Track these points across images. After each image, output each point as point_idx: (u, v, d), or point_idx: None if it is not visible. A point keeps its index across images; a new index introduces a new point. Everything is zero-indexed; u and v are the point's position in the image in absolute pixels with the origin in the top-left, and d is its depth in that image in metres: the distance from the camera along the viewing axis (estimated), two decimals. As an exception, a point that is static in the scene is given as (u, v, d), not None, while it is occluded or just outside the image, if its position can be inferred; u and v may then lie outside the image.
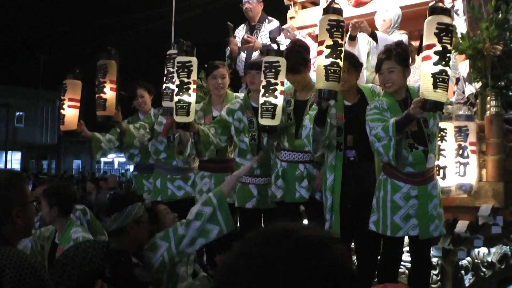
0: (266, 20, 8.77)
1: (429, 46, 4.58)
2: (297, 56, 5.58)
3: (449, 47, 4.54)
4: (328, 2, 5.17)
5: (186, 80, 5.66)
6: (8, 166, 44.15)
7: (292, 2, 9.56)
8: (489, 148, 6.04)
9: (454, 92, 7.41)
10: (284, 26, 8.80)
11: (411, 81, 7.02)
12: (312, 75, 6.75)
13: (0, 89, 46.79)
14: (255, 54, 8.42)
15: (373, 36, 7.21)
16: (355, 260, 5.91)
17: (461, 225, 5.85)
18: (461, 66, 7.54)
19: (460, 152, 5.89)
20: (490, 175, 6.01)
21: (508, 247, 6.82)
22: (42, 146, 50.82)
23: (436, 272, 6.04)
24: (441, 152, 5.80)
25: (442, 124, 5.65)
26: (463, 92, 7.39)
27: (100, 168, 54.02)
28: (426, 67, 4.60)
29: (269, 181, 6.06)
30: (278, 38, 8.57)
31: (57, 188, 5.68)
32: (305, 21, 9.35)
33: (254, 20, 8.75)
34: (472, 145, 5.90)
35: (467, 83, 7.27)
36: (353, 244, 5.79)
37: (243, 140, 6.16)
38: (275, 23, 8.77)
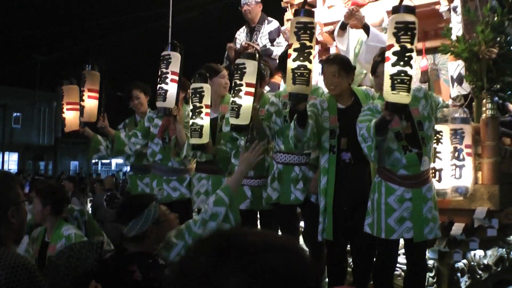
0: (266, 21, 8.78)
1: (389, 47, 4.50)
2: None
3: (408, 46, 4.38)
4: (301, 4, 5.13)
5: (198, 104, 6.01)
6: (5, 167, 44.11)
7: (289, 4, 9.57)
8: (485, 150, 6.05)
9: (450, 95, 7.42)
10: (281, 28, 8.82)
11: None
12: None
13: (-3, 90, 46.82)
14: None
15: (366, 29, 7.21)
16: (351, 263, 5.92)
17: (457, 228, 5.86)
18: (451, 66, 7.55)
19: (456, 154, 5.89)
20: (485, 177, 6.02)
21: (504, 249, 6.82)
22: (39, 147, 50.74)
23: (432, 274, 6.05)
24: (437, 154, 5.80)
25: (437, 127, 5.65)
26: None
27: (97, 169, 53.99)
28: (386, 68, 4.51)
29: (263, 182, 6.09)
30: (277, 40, 8.61)
31: (51, 187, 5.70)
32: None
33: (253, 22, 8.76)
34: (467, 148, 5.91)
35: (455, 84, 7.27)
36: (348, 246, 5.81)
37: (239, 142, 6.20)
38: (274, 24, 8.79)
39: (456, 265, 6.21)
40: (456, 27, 6.83)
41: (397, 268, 5.84)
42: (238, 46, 8.82)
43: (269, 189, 5.95)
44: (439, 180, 5.80)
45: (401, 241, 5.48)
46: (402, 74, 4.39)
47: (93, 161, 55.25)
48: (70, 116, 7.30)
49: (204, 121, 5.98)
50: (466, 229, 5.89)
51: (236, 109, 5.55)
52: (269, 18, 8.84)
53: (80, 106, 7.07)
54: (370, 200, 5.28)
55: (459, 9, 7.22)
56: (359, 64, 7.52)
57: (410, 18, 4.40)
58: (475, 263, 6.48)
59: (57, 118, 50.69)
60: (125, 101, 7.58)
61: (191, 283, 1.25)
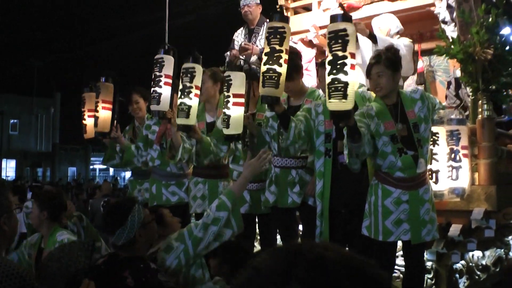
0: (265, 23, 8.75)
1: (326, 57, 4.54)
2: (290, 64, 5.59)
3: (340, 53, 4.36)
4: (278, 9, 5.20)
5: (188, 84, 5.92)
6: (3, 174, 44.09)
7: (284, 8, 9.58)
8: (481, 151, 6.06)
9: (446, 97, 7.45)
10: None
11: (404, 85, 7.06)
12: (305, 79, 6.79)
13: (-6, 97, 46.84)
14: (253, 58, 8.44)
15: (372, 38, 7.23)
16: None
17: (454, 229, 5.87)
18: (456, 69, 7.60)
19: (452, 156, 5.90)
20: (482, 178, 6.03)
21: (502, 250, 6.83)
22: (36, 154, 50.72)
23: (430, 276, 6.05)
24: (434, 156, 5.81)
25: (434, 128, 5.65)
26: (455, 96, 7.42)
27: (95, 175, 53.99)
28: (326, 78, 4.52)
29: (262, 186, 6.10)
30: None
31: (49, 193, 5.71)
32: (297, 26, 9.38)
33: (253, 24, 8.74)
34: (464, 149, 5.92)
35: (462, 86, 7.29)
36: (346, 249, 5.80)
37: (237, 147, 6.21)
38: None
39: (454, 266, 6.22)
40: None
41: (395, 270, 5.85)
42: (236, 47, 8.82)
43: (267, 192, 5.97)
44: (436, 182, 5.81)
45: (399, 243, 5.48)
46: (336, 82, 4.36)
47: (91, 166, 55.33)
48: (91, 123, 7.40)
49: (192, 101, 5.91)
50: (463, 230, 5.90)
51: (226, 120, 5.64)
52: (268, 20, 8.83)
53: (95, 117, 7.15)
54: (367, 203, 5.28)
55: (448, 19, 7.28)
56: None
57: (342, 26, 4.39)
58: (473, 264, 6.49)
59: (55, 125, 50.81)
60: (125, 105, 7.59)
61: None
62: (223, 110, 5.70)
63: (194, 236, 4.15)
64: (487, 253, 6.68)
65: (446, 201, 5.94)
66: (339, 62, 4.36)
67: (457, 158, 5.88)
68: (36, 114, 51.08)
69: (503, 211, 5.98)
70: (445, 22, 7.40)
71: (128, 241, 3.80)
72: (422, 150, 5.14)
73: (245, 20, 8.80)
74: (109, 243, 4.68)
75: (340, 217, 5.47)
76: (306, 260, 1.25)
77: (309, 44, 9.33)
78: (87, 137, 7.57)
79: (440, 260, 6.08)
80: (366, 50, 7.58)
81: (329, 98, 4.42)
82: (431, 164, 5.70)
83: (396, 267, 5.78)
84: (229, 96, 5.63)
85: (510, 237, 6.94)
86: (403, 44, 7.24)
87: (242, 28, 8.95)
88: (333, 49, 4.39)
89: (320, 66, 5.68)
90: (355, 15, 8.27)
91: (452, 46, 6.34)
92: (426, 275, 5.77)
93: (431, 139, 5.64)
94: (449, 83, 7.69)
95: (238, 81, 5.65)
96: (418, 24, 8.59)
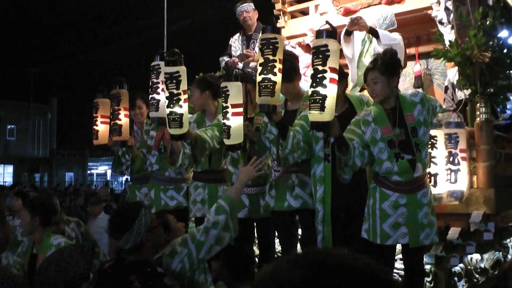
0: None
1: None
2: (289, 64, 5.60)
3: (320, 67, 4.61)
4: (273, 22, 5.29)
5: (175, 91, 5.60)
6: (1, 180, 44.04)
7: (281, 12, 9.60)
8: (480, 154, 6.06)
9: (444, 100, 7.45)
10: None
11: (401, 88, 7.06)
12: (303, 84, 6.79)
13: (-9, 103, 46.83)
14: (252, 64, 8.44)
15: (373, 33, 7.23)
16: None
17: (453, 232, 5.86)
18: (450, 72, 7.60)
19: (451, 159, 5.90)
20: (481, 181, 6.03)
21: (500, 253, 6.83)
22: (34, 159, 50.68)
23: (429, 279, 6.05)
24: (432, 159, 5.82)
25: (432, 132, 5.65)
26: (453, 99, 7.43)
27: (92, 180, 53.95)
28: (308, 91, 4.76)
29: (261, 190, 6.10)
30: None
31: (39, 199, 5.71)
32: (295, 30, 9.41)
33: (250, 29, 8.73)
34: (462, 152, 5.92)
35: (457, 90, 7.31)
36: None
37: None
38: None
39: (453, 269, 6.22)
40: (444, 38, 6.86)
41: (394, 274, 5.84)
42: (233, 53, 8.82)
43: (267, 196, 5.98)
44: (435, 185, 5.81)
45: (398, 247, 5.48)
46: (315, 95, 4.63)
47: (88, 171, 55.26)
48: (103, 129, 7.23)
49: (183, 109, 5.64)
50: (462, 233, 5.89)
51: (227, 131, 5.65)
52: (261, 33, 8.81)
53: (117, 125, 6.93)
54: (366, 206, 5.29)
55: (445, 21, 7.31)
56: (364, 65, 7.62)
57: (323, 42, 4.65)
58: (472, 267, 6.49)
59: (52, 130, 50.76)
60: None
61: None
62: (223, 121, 5.69)
63: (197, 240, 4.17)
64: (486, 256, 6.69)
65: (444, 204, 5.94)
66: (319, 75, 4.63)
67: (456, 161, 5.88)
68: (33, 120, 51.04)
69: (501, 214, 5.98)
70: (442, 23, 7.41)
71: (135, 245, 3.81)
72: (420, 154, 5.13)
73: (243, 26, 8.80)
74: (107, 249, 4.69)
75: (339, 221, 5.47)
76: (330, 268, 1.24)
77: (307, 49, 9.34)
78: (98, 143, 7.29)
79: (439, 263, 6.07)
80: (356, 42, 7.61)
81: (310, 110, 4.67)
82: (429, 167, 5.70)
83: (395, 270, 5.77)
84: (227, 107, 5.63)
85: (508, 240, 6.95)
86: (398, 38, 7.31)
87: (238, 34, 8.95)
88: (315, 63, 4.66)
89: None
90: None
91: (450, 49, 6.34)
92: (425, 278, 5.77)
93: (429, 142, 5.64)
94: (446, 88, 7.70)
95: (235, 91, 5.65)
96: (415, 27, 8.60)
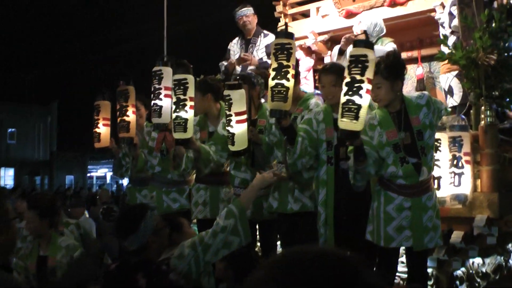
0: (262, 34, 8.75)
1: (344, 78, 4.72)
2: None
3: (358, 77, 4.59)
4: (281, 27, 5.27)
5: (182, 97, 5.83)
6: (2, 183, 44.08)
7: (282, 15, 9.58)
8: (484, 158, 6.04)
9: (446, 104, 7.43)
10: (275, 39, 8.81)
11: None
12: (304, 87, 6.77)
13: (-8, 106, 46.84)
14: (250, 68, 8.43)
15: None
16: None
17: (456, 236, 5.84)
18: (442, 78, 7.61)
19: (455, 162, 5.88)
20: (485, 185, 6.00)
21: (502, 257, 6.79)
22: (34, 162, 50.69)
23: (431, 282, 6.01)
24: (436, 162, 5.78)
25: (436, 135, 5.61)
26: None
27: (92, 183, 53.98)
28: (341, 97, 4.72)
29: (264, 192, 6.06)
30: None
31: (48, 200, 5.69)
32: (296, 33, 9.30)
33: (250, 34, 8.74)
34: (466, 156, 5.90)
35: (448, 96, 7.33)
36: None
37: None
38: (271, 37, 8.74)
39: (454, 273, 6.17)
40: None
41: (395, 277, 5.80)
42: (231, 57, 8.81)
43: (271, 198, 5.96)
44: (438, 188, 5.79)
45: (401, 250, 5.44)
46: (350, 103, 4.60)
47: (88, 174, 55.35)
48: (105, 132, 7.21)
49: (188, 114, 5.85)
50: (465, 237, 5.87)
51: (231, 138, 5.69)
52: (265, 32, 8.81)
53: (125, 122, 6.87)
54: (370, 209, 5.26)
55: (446, 24, 7.31)
56: None
57: (363, 52, 4.64)
58: (474, 271, 6.44)
59: (52, 133, 50.80)
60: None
61: None
62: (227, 128, 5.73)
63: (205, 243, 4.16)
64: (487, 260, 6.64)
65: (448, 207, 5.92)
66: (356, 85, 4.60)
67: (460, 164, 5.86)
68: (33, 123, 51.05)
69: (505, 218, 5.97)
70: (443, 26, 7.39)
71: (140, 247, 3.83)
72: (426, 158, 5.09)
73: (243, 30, 8.81)
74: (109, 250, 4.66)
75: (342, 224, 5.43)
76: (285, 263, 1.30)
77: (308, 52, 9.32)
78: (99, 146, 7.28)
79: (441, 266, 6.04)
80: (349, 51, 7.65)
81: (342, 117, 4.63)
82: (433, 170, 5.67)
83: (397, 274, 5.73)
84: (231, 115, 5.66)
85: (510, 245, 6.91)
86: (392, 47, 7.33)
87: (237, 38, 8.96)
88: (352, 72, 4.63)
89: (321, 73, 5.65)
90: (353, 21, 8.28)
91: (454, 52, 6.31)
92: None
93: (433, 145, 5.61)
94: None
95: (238, 99, 5.66)
96: (418, 30, 8.59)
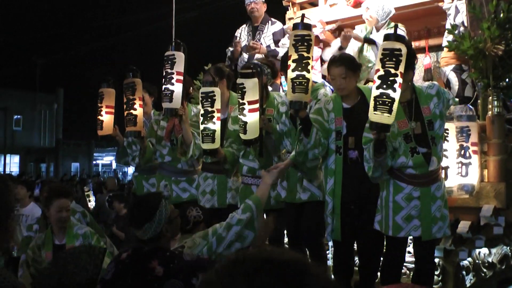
0: (269, 22, 8.77)
1: (376, 71, 4.70)
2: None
3: (392, 71, 4.58)
4: (299, 18, 5.24)
5: (210, 109, 5.99)
6: (7, 170, 44.12)
7: (290, 3, 9.56)
8: (491, 148, 6.05)
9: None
10: (284, 27, 8.82)
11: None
12: (312, 77, 6.79)
13: (-2, 93, 46.84)
14: (257, 56, 8.43)
15: (370, 42, 7.29)
16: (357, 261, 5.90)
17: (463, 226, 5.85)
18: (441, 71, 7.64)
19: (462, 152, 5.89)
20: (492, 175, 6.02)
21: (508, 247, 6.81)
22: (40, 149, 50.70)
23: (437, 272, 6.02)
24: (443, 152, 5.79)
25: (444, 125, 5.64)
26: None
27: (98, 170, 53.98)
28: (372, 90, 4.72)
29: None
30: (282, 41, 8.61)
31: (66, 187, 5.76)
32: (304, 22, 9.35)
33: (257, 21, 8.76)
34: (474, 146, 5.91)
35: (446, 89, 7.35)
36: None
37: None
38: (278, 25, 8.79)
39: (461, 263, 6.19)
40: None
41: (402, 267, 5.82)
42: (238, 44, 8.82)
43: (279, 187, 6.00)
44: (446, 178, 5.81)
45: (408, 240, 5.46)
46: (384, 97, 4.59)
47: (94, 162, 55.36)
48: (108, 119, 7.15)
49: (216, 125, 5.99)
50: (472, 227, 5.89)
51: (243, 126, 5.73)
52: (273, 19, 8.84)
53: (132, 115, 6.78)
54: (379, 198, 5.29)
55: (452, 16, 7.30)
56: (366, 59, 7.84)
57: (397, 45, 4.61)
58: (480, 261, 6.47)
59: (58, 120, 50.76)
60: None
61: None
62: (239, 116, 5.76)
63: (218, 234, 4.18)
64: (494, 250, 6.66)
65: (455, 197, 5.94)
66: (390, 78, 4.59)
67: (467, 154, 5.88)
68: (39, 110, 51.02)
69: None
70: (449, 18, 7.41)
71: (155, 235, 3.83)
72: (436, 148, 5.10)
73: (250, 17, 8.82)
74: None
75: (350, 213, 5.45)
76: (229, 269, 1.34)
77: (316, 41, 9.30)
78: (102, 133, 7.21)
79: (448, 256, 6.05)
80: (352, 44, 7.69)
81: (375, 110, 4.61)
82: (442, 160, 5.68)
83: (404, 263, 5.75)
84: (244, 104, 5.69)
85: (517, 235, 6.92)
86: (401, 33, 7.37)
87: (244, 25, 8.98)
88: (386, 65, 4.60)
89: (331, 64, 5.63)
90: (361, 11, 8.28)
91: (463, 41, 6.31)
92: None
93: (442, 135, 5.62)
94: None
95: (251, 88, 5.69)
96: (425, 19, 8.56)
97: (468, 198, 5.95)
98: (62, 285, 3.92)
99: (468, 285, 6.25)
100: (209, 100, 5.99)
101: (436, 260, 5.96)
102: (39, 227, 6.44)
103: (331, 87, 6.24)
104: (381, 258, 5.55)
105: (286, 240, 6.44)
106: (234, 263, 1.35)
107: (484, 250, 6.48)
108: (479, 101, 6.70)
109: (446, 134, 5.79)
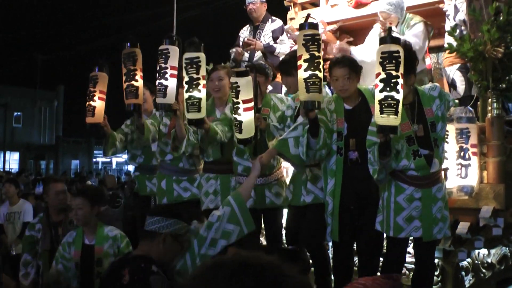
0: (270, 20, 8.86)
1: (377, 75, 4.70)
2: (290, 59, 5.67)
3: (394, 73, 4.60)
4: (304, 18, 5.25)
5: (195, 76, 5.73)
6: (6, 167, 44.10)
7: (292, 3, 9.59)
8: (490, 150, 6.08)
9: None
10: (284, 27, 8.85)
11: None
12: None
13: (-2, 90, 46.83)
14: (258, 54, 8.49)
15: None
16: (357, 261, 5.92)
17: (462, 227, 5.87)
18: (445, 71, 7.66)
19: (462, 154, 5.92)
20: (491, 177, 6.04)
21: (507, 248, 6.84)
22: (40, 146, 50.70)
23: (437, 273, 6.04)
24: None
25: (443, 126, 5.66)
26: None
27: (98, 168, 53.95)
28: (375, 94, 4.73)
29: (266, 181, 6.10)
30: (280, 37, 8.66)
31: (96, 188, 5.84)
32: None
33: (257, 21, 8.86)
34: (473, 147, 5.94)
35: (451, 89, 7.40)
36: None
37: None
38: (278, 23, 8.86)
39: (460, 264, 6.21)
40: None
41: (403, 268, 5.84)
42: (241, 44, 8.88)
43: (287, 191, 6.09)
44: (445, 179, 5.81)
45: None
46: (389, 99, 4.61)
47: (94, 159, 55.27)
48: (100, 106, 6.66)
49: (201, 93, 5.75)
50: (471, 228, 5.90)
51: (238, 125, 5.64)
52: (273, 18, 8.92)
53: (133, 86, 6.37)
54: (380, 198, 5.32)
55: (451, 17, 7.33)
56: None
57: (393, 48, 4.64)
58: (479, 262, 6.49)
59: (58, 117, 50.74)
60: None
61: None
62: (234, 116, 5.68)
63: (200, 236, 4.21)
64: (493, 251, 6.69)
65: (454, 198, 5.97)
66: (393, 81, 4.62)
67: (466, 156, 5.91)
68: (39, 107, 51.02)
69: (511, 209, 6.01)
70: (449, 19, 7.42)
71: (154, 232, 3.88)
72: (438, 149, 5.13)
73: (250, 17, 8.88)
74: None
75: (349, 213, 5.48)
76: (205, 274, 1.39)
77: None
78: (92, 121, 6.68)
79: (447, 257, 6.08)
80: (372, 43, 7.69)
81: (381, 113, 4.63)
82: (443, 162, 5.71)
83: (404, 264, 5.78)
84: (238, 103, 5.61)
85: (516, 235, 6.95)
86: (418, 30, 7.53)
87: (248, 25, 9.04)
88: (387, 68, 4.62)
89: (334, 65, 5.63)
90: (363, 12, 8.31)
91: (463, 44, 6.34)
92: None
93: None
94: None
95: (245, 87, 5.62)
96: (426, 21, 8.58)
97: (468, 199, 5.98)
98: None
99: (467, 285, 6.27)
100: (194, 66, 5.76)
101: (436, 260, 5.98)
102: (41, 226, 6.44)
103: (331, 88, 6.25)
104: (381, 259, 5.58)
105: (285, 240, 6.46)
106: (212, 268, 1.39)
107: (483, 251, 6.51)
108: (478, 102, 6.72)
109: (446, 136, 5.82)
